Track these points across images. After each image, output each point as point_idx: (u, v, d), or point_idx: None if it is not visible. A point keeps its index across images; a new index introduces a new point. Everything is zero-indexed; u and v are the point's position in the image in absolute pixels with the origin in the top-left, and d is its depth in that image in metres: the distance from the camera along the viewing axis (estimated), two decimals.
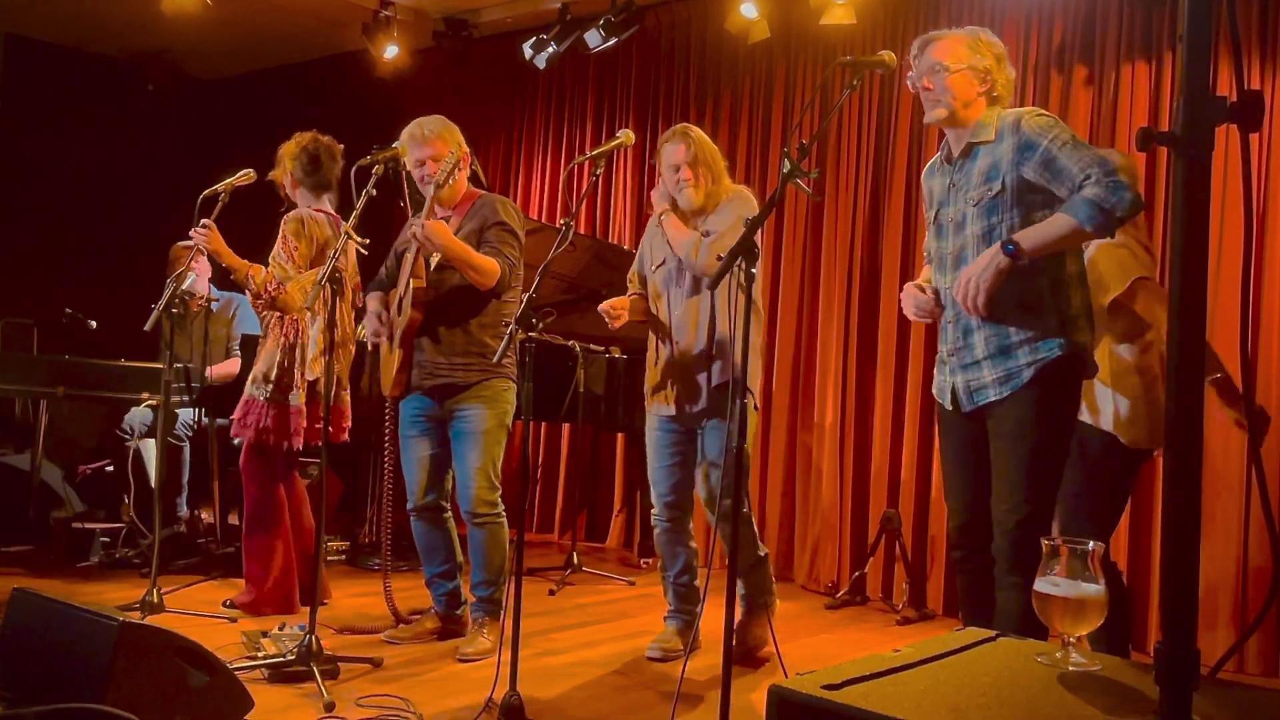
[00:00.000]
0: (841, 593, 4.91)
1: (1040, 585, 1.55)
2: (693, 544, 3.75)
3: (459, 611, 3.84)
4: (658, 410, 3.67)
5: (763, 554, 3.69)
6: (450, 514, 3.81)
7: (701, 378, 3.51)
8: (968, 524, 2.77)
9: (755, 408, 3.63)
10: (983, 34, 2.77)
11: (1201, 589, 3.96)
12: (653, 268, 3.69)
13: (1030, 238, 2.54)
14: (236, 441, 4.09)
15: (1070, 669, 1.49)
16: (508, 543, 3.72)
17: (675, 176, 3.59)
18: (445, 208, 3.74)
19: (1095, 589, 1.53)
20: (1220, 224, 4.12)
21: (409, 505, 3.79)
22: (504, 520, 3.70)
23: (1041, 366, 2.59)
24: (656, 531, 3.73)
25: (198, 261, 4.43)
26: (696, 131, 3.60)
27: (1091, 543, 1.56)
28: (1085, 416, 3.05)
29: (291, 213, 3.97)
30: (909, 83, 2.81)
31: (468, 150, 3.72)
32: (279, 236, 3.94)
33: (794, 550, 5.36)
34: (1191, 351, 1.27)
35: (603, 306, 3.54)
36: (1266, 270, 4.11)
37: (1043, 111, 2.67)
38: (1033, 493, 2.58)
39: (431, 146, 3.65)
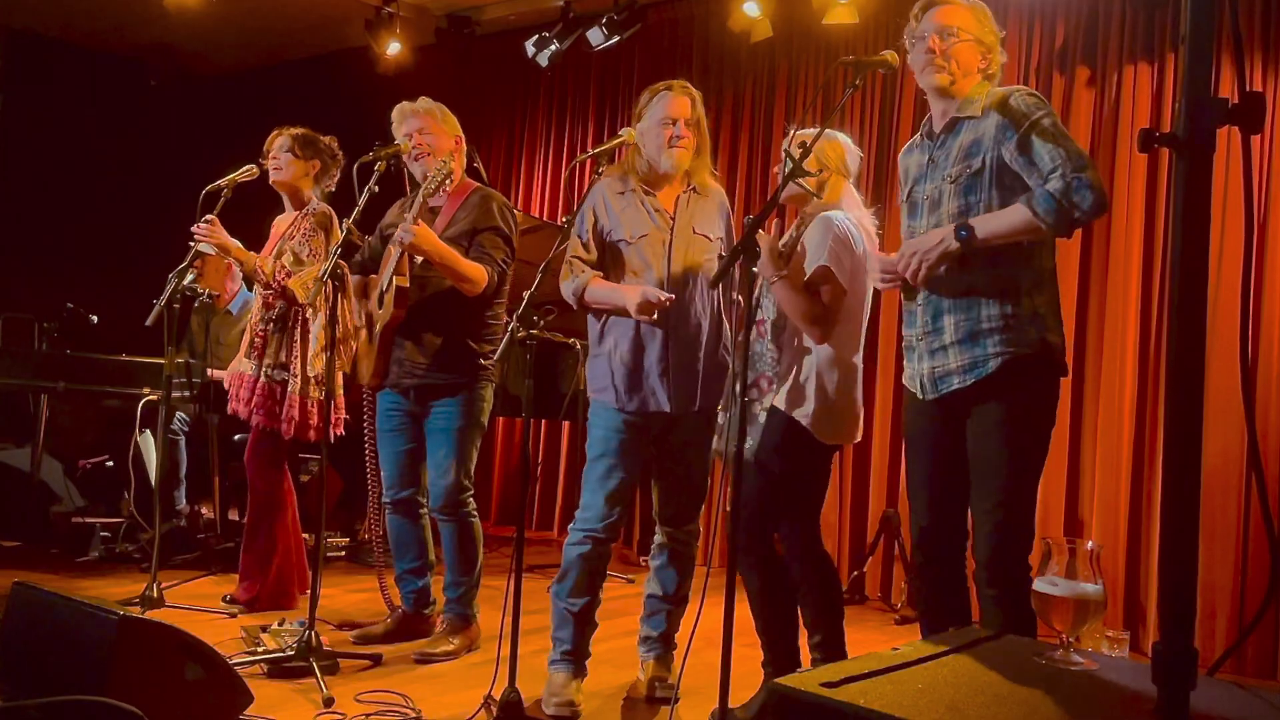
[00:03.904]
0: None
1: (1039, 585, 1.56)
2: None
3: (426, 611, 3.81)
4: (633, 407, 3.14)
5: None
6: (426, 511, 3.78)
7: (702, 371, 3.14)
8: (930, 528, 2.63)
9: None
10: (986, 10, 2.64)
11: (1200, 589, 3.97)
12: (634, 237, 3.13)
13: (986, 225, 2.43)
14: (238, 438, 4.08)
15: (1069, 668, 1.49)
16: (480, 543, 3.68)
17: (669, 131, 3.10)
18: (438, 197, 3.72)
19: (1094, 588, 1.53)
20: (1221, 225, 4.12)
21: (384, 499, 3.79)
22: (475, 519, 3.66)
23: (1010, 360, 2.46)
24: (587, 549, 3.12)
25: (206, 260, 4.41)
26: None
27: (1090, 542, 1.57)
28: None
29: (319, 207, 3.96)
30: (905, 40, 2.64)
31: (459, 136, 3.68)
32: (302, 228, 3.92)
33: None
34: (1191, 353, 1.27)
35: (650, 295, 2.95)
36: (1267, 272, 4.11)
37: (1033, 91, 2.54)
38: (1009, 498, 2.46)
39: (419, 119, 3.62)
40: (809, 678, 1.33)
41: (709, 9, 5.87)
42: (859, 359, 3.05)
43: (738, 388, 2.44)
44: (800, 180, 2.55)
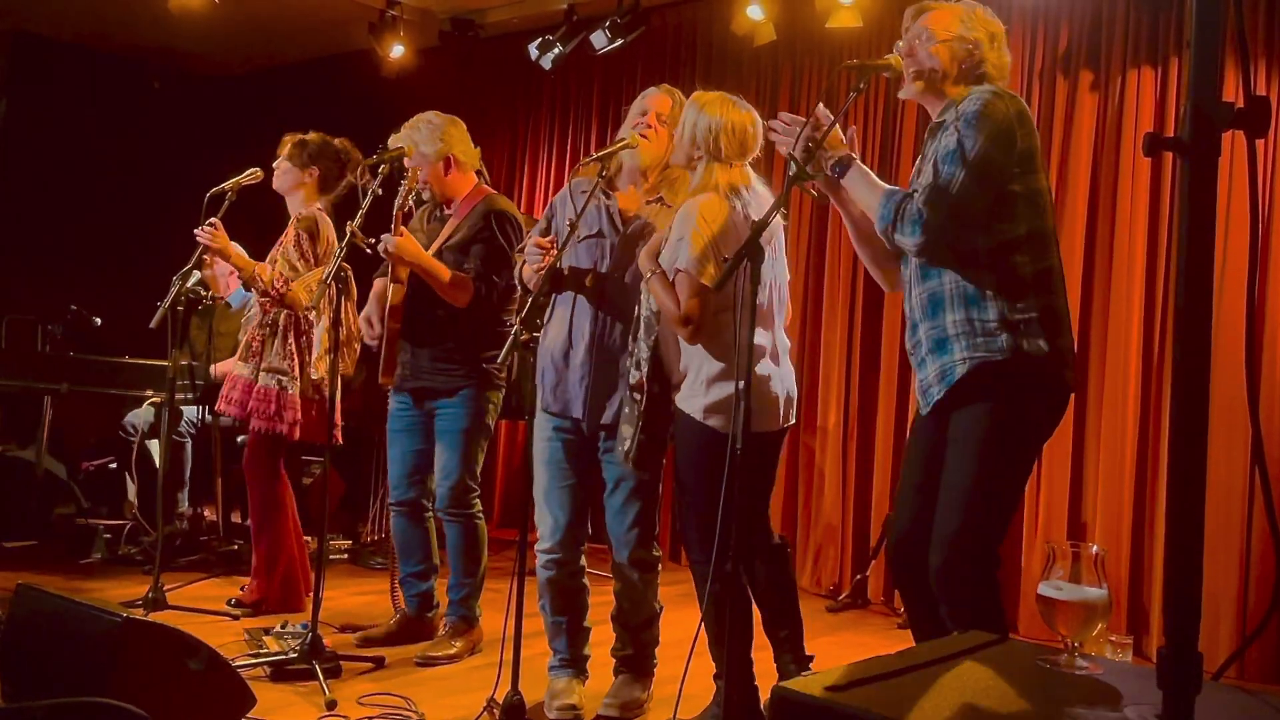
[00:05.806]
0: (843, 596, 4.91)
1: (1044, 589, 1.56)
2: (585, 580, 3.24)
3: (430, 615, 3.81)
4: (556, 408, 3.07)
5: (659, 608, 3.23)
6: (432, 514, 3.78)
7: (622, 382, 2.99)
8: (905, 537, 2.54)
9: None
10: (980, 8, 2.53)
11: (1204, 594, 3.95)
12: (584, 234, 3.05)
13: (858, 181, 2.53)
14: (240, 440, 4.09)
15: (1073, 673, 1.49)
16: (485, 545, 3.70)
17: (638, 121, 3.06)
18: (446, 206, 3.73)
19: (1099, 593, 1.53)
20: (1225, 230, 4.11)
21: (390, 500, 3.79)
22: (480, 521, 3.67)
23: (978, 366, 2.37)
24: (552, 574, 3.10)
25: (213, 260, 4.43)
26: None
27: (1094, 547, 1.57)
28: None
29: (305, 211, 3.97)
30: (895, 51, 2.58)
31: (448, 156, 3.64)
32: (290, 235, 3.94)
33: (796, 553, 5.36)
34: (1196, 358, 1.26)
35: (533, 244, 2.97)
36: (1272, 276, 4.10)
37: (983, 97, 2.40)
38: (970, 508, 2.36)
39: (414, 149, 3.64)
40: (812, 682, 1.33)
41: (712, 12, 5.86)
42: (764, 339, 2.84)
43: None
44: (803, 184, 2.54)
